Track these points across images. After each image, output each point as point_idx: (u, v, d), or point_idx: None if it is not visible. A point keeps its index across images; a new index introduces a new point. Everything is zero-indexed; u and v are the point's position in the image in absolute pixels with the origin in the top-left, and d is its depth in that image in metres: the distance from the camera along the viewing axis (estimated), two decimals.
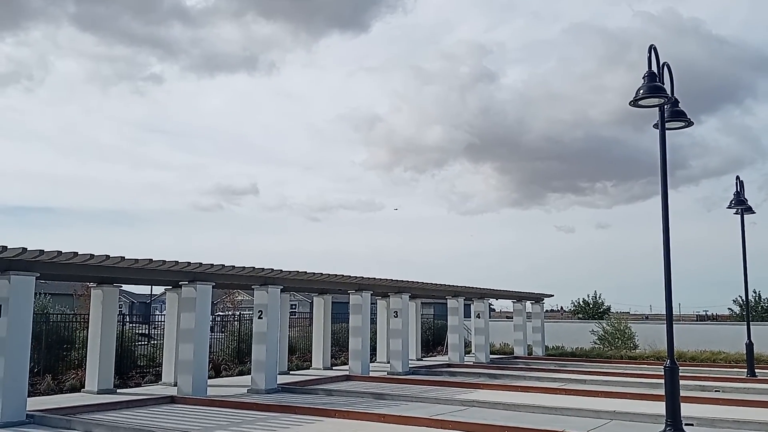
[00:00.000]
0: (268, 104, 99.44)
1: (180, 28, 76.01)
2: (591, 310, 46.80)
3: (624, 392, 15.05)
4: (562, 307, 65.53)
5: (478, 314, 25.07)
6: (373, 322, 23.24)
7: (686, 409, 10.06)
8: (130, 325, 23.29)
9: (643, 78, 9.91)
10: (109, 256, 12.46)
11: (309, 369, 20.99)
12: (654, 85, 9.80)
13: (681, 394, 9.69)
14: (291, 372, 19.90)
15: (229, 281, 16.26)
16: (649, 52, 9.98)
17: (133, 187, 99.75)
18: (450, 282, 23.03)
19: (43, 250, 11.27)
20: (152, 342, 20.94)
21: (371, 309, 20.57)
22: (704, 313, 70.02)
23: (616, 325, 28.31)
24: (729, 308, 47.08)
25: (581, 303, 48.83)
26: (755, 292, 43.00)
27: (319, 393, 15.45)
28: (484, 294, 25.05)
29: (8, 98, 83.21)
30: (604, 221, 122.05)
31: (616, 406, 12.68)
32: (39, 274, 11.95)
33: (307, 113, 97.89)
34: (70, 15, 71.01)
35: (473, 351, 25.20)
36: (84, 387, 15.05)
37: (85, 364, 15.31)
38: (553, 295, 29.87)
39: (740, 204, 18.26)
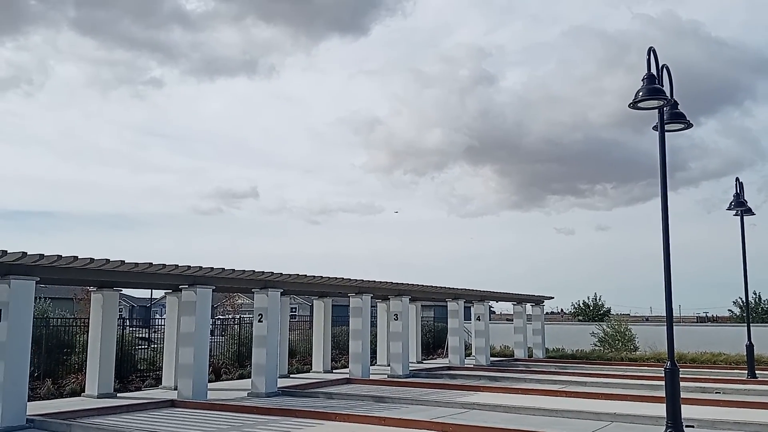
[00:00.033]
0: (268, 108, 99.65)
1: (180, 31, 76.20)
2: (591, 312, 46.68)
3: (624, 394, 15.07)
4: (562, 309, 65.62)
5: (479, 317, 25.05)
6: (374, 325, 23.26)
7: (687, 411, 10.07)
8: (131, 328, 23.29)
9: (642, 80, 9.91)
10: (109, 260, 12.48)
11: (309, 372, 20.96)
12: (653, 87, 9.80)
13: (681, 396, 9.67)
14: (291, 375, 19.89)
15: (229, 285, 16.28)
16: (648, 55, 9.98)
17: (133, 191, 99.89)
18: (450, 284, 23.04)
19: (43, 255, 11.27)
20: (152, 346, 20.93)
21: (371, 312, 20.58)
22: (704, 314, 70.08)
23: (616, 327, 28.30)
24: (729, 310, 46.90)
25: (581, 305, 48.71)
26: (755, 294, 42.87)
27: (319, 396, 15.44)
28: (484, 296, 25.04)
29: (8, 103, 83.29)
30: (604, 223, 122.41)
31: (617, 408, 12.69)
32: (39, 278, 11.95)
33: (307, 116, 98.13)
34: (70, 19, 71.16)
35: (473, 353, 25.17)
36: (84, 391, 15.03)
37: (86, 368, 15.29)
38: (553, 298, 29.93)
39: (740, 206, 18.28)
